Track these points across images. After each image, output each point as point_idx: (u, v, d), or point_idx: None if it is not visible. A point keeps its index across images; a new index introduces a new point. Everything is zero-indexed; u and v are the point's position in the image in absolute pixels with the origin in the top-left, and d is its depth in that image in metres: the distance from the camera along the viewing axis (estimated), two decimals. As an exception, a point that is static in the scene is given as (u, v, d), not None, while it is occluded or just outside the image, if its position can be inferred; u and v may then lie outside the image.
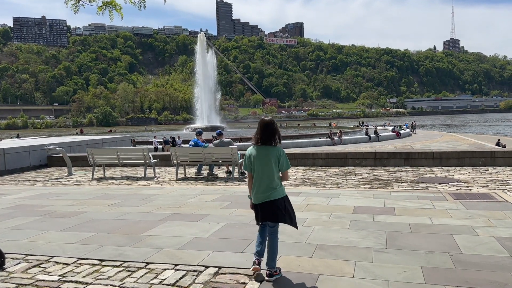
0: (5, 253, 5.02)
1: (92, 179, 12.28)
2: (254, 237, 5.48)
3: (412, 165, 13.14)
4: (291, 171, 12.46)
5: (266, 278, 4.04)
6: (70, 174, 13.47)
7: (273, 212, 4.01)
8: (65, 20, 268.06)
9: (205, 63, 68.04)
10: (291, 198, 7.90)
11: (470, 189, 9.09)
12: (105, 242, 5.50)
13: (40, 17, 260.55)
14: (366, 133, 36.15)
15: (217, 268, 4.43)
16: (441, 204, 7.32)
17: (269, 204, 4.01)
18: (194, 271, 4.40)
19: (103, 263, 4.72)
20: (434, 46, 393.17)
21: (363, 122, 77.66)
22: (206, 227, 6.12)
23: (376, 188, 9.48)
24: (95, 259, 4.82)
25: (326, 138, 33.21)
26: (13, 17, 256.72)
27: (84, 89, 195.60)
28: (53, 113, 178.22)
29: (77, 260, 4.82)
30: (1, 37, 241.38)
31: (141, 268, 4.54)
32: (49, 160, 15.84)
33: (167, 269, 4.48)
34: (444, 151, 13.91)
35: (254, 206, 4.17)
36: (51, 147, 14.00)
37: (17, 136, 53.68)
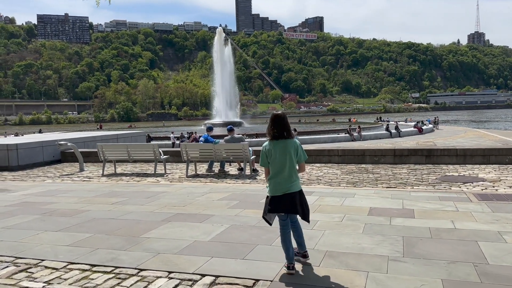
0: (-6, 256, 4.78)
1: (102, 175, 12.10)
2: (259, 240, 5.11)
3: (434, 162, 12.48)
4: (306, 169, 11.99)
5: (302, 259, 4.32)
6: (81, 170, 13.34)
7: (293, 204, 4.12)
8: (87, 17, 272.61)
9: (223, 58, 67.75)
10: (302, 198, 7.52)
11: (496, 190, 8.46)
12: (101, 244, 5.19)
13: (63, 14, 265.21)
14: (387, 129, 35.23)
15: (214, 277, 4.05)
16: (465, 206, 6.77)
17: (290, 196, 4.10)
18: (189, 280, 4.03)
19: (94, 268, 4.40)
20: (458, 40, 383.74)
21: (380, 118, 76.32)
22: (209, 229, 5.75)
23: (394, 187, 8.94)
24: (86, 264, 4.51)
25: (345, 134, 32.49)
26: (37, 15, 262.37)
27: (106, 85, 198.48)
28: (76, 108, 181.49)
29: (67, 265, 4.52)
30: (26, 34, 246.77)
31: (132, 275, 4.20)
32: (62, 156, 15.78)
33: (160, 277, 4.12)
34: (468, 148, 13.19)
35: (271, 199, 4.15)
36: (62, 142, 13.89)
37: (40, 131, 54.62)
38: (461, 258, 4.41)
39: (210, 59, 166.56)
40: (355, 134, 31.39)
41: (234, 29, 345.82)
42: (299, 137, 29.28)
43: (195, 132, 33.40)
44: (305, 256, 4.35)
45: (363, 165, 12.44)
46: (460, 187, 8.78)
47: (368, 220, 6.05)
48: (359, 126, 35.30)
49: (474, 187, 8.81)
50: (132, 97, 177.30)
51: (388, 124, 39.66)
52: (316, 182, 9.88)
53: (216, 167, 12.14)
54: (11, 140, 17.96)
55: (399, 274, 4.02)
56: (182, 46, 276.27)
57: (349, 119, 77.24)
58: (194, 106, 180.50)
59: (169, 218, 6.45)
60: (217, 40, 70.74)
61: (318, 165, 12.77)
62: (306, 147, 16.83)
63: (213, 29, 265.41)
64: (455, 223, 5.75)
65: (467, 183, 9.29)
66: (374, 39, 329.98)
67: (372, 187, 9.04)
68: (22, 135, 37.46)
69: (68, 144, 13.86)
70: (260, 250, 4.76)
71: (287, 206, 4.14)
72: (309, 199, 7.46)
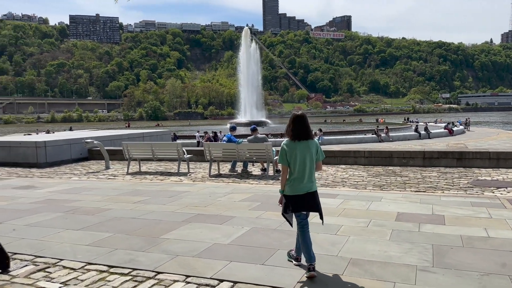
0: (16, 253, 4.80)
1: (127, 173, 12.19)
2: (280, 245, 4.93)
3: (466, 166, 11.97)
4: (330, 170, 11.73)
5: (294, 263, 4.32)
6: (107, 167, 13.50)
7: (315, 203, 4.20)
8: (118, 18, 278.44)
9: (249, 57, 67.72)
10: (326, 200, 7.32)
11: (534, 196, 7.98)
12: (120, 244, 5.14)
13: (95, 15, 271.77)
14: (416, 130, 34.31)
15: (232, 284, 3.91)
16: (499, 213, 6.39)
17: (311, 195, 4.16)
18: (206, 285, 3.90)
19: (111, 269, 4.34)
20: (491, 39, 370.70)
21: (408, 118, 74.67)
22: (229, 231, 5.61)
23: (423, 191, 8.58)
24: (104, 265, 4.46)
25: (372, 134, 31.83)
26: (69, 15, 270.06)
27: (135, 84, 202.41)
28: (106, 107, 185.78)
29: (85, 265, 4.48)
30: (59, 34, 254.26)
31: (149, 278, 4.11)
32: (89, 153, 16.04)
33: (177, 281, 4.01)
34: (502, 151, 12.58)
35: (291, 198, 4.14)
36: (89, 140, 14.09)
37: (70, 129, 56.09)
38: (495, 269, 4.12)
39: (236, 59, 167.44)
40: (383, 135, 30.71)
41: (260, 28, 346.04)
42: (325, 137, 28.87)
43: (220, 132, 33.42)
44: (298, 260, 4.36)
45: (391, 167, 12.05)
46: (493, 192, 8.34)
47: (395, 226, 5.78)
48: (386, 127, 34.53)
49: (508, 192, 8.35)
50: (160, 96, 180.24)
51: (417, 125, 38.64)
52: (341, 184, 9.62)
53: (239, 167, 12.03)
54: (40, 137, 18.41)
55: (428, 285, 3.78)
56: (209, 46, 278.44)
57: (377, 120, 75.87)
58: (219, 105, 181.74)
59: (190, 219, 6.36)
60: (244, 39, 70.81)
61: (343, 166, 12.47)
62: (331, 147, 16.56)
63: (240, 29, 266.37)
64: (488, 231, 5.42)
65: (501, 188, 8.83)
66: (403, 38, 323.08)
67: (400, 190, 8.70)
68: (53, 132, 38.50)
69: (95, 142, 14.06)
70: (281, 256, 4.59)
71: (309, 205, 4.20)
72: (333, 202, 7.28)
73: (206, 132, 33.85)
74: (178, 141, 25.90)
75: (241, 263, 4.41)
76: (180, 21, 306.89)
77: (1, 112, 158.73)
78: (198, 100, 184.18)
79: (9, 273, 4.25)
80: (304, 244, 4.16)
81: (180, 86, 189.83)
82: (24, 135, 37.91)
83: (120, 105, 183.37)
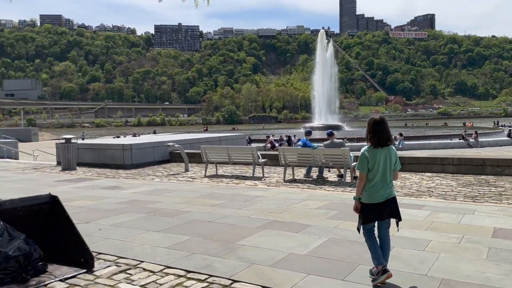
0: (100, 253, 5.01)
1: (205, 176, 12.46)
2: (361, 259, 4.59)
3: None
4: (414, 178, 10.96)
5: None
6: (186, 170, 13.94)
7: (395, 209, 4.10)
8: (198, 26, 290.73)
9: (325, 60, 66.85)
10: (411, 211, 6.79)
11: None
12: (197, 249, 5.16)
13: (177, 24, 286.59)
14: (509, 135, 31.25)
15: (309, 298, 3.69)
16: None
17: (391, 201, 4.07)
18: (283, 298, 3.72)
19: (189, 275, 4.34)
20: None
21: (498, 122, 68.77)
22: (306, 241, 5.39)
23: (524, 204, 7.63)
24: (182, 269, 4.48)
25: (459, 139, 29.57)
26: (154, 25, 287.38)
27: (213, 90, 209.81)
28: (186, 111, 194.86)
29: (164, 269, 4.53)
30: (145, 43, 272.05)
31: (225, 286, 4.03)
32: (171, 156, 16.72)
33: (253, 291, 3.89)
34: None
35: (371, 207, 4.02)
36: (170, 144, 14.68)
37: (154, 132, 59.56)
38: None
39: (311, 62, 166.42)
40: (471, 140, 28.39)
41: (337, 30, 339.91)
42: (406, 142, 27.38)
43: (294, 136, 33.25)
44: (385, 271, 3.96)
45: (483, 177, 10.96)
46: None
47: (492, 243, 5.15)
48: (476, 131, 31.92)
49: None
50: (236, 101, 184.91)
51: (510, 130, 35.19)
52: (427, 194, 8.91)
53: (314, 173, 11.73)
54: (126, 140, 19.63)
55: (540, 319, 3.24)
56: (284, 50, 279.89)
57: (464, 123, 70.69)
58: (294, 109, 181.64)
59: (265, 225, 6.24)
60: (319, 42, 70.07)
61: (429, 174, 11.59)
62: (414, 153, 15.60)
63: (315, 32, 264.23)
64: None
65: None
66: (493, 36, 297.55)
67: (496, 203, 7.83)
68: (139, 135, 41.08)
69: (176, 145, 14.61)
70: (362, 272, 4.27)
71: (390, 212, 4.11)
72: (420, 213, 6.73)
73: (268, 136, 33.94)
74: (253, 144, 26.19)
75: (319, 276, 4.17)
76: (257, 27, 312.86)
77: (93, 116, 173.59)
78: (272, 104, 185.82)
79: (93, 273, 4.44)
80: (374, 249, 4.03)
81: (255, 90, 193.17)
82: (113, 138, 40.92)
83: (199, 110, 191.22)
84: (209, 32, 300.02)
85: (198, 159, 15.52)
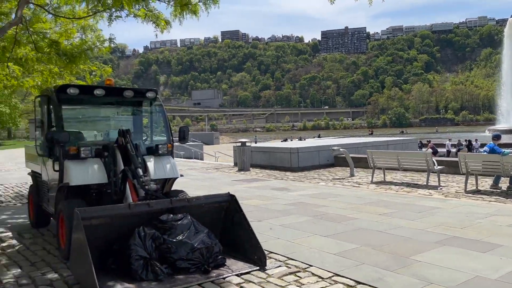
0: (271, 252, 5.22)
1: (371, 182, 11.98)
2: None
3: None
4: None
5: None
6: (352, 175, 13.65)
7: None
8: (365, 28, 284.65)
9: (515, 53, 57.49)
10: None
11: None
12: (366, 259, 4.93)
13: (343, 28, 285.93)
14: None
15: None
16: None
17: None
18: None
19: (358, 286, 4.16)
20: None
21: None
22: (495, 264, 4.62)
23: None
24: (351, 279, 4.32)
25: None
26: (321, 31, 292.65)
27: (379, 92, 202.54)
28: (351, 115, 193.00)
29: (333, 276, 4.45)
30: (311, 50, 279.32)
31: (398, 304, 3.72)
32: (335, 160, 16.64)
33: (432, 315, 3.48)
34: None
35: None
36: (335, 148, 14.59)
37: (319, 136, 60.58)
38: None
39: (497, 56, 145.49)
40: None
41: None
42: None
43: (476, 140, 29.49)
44: None
45: None
46: None
47: None
48: None
49: None
50: (404, 103, 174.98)
51: None
52: None
53: (503, 183, 10.08)
54: (293, 144, 20.35)
55: None
56: (462, 45, 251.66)
57: None
58: (474, 109, 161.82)
59: (444, 241, 5.59)
60: (507, 33, 60.68)
61: None
62: None
63: (501, 22, 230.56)
64: None
65: None
66: None
67: None
68: (305, 139, 42.31)
69: (341, 149, 14.47)
70: None
71: None
72: None
73: (429, 141, 30.51)
74: (424, 150, 24.13)
75: (517, 310, 3.49)
76: (430, 22, 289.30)
77: (264, 121, 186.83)
78: (448, 105, 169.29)
79: (266, 271, 4.63)
80: None
81: (427, 90, 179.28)
82: (281, 141, 43.15)
83: (364, 113, 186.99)
84: (377, 33, 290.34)
85: (363, 164, 15.07)
